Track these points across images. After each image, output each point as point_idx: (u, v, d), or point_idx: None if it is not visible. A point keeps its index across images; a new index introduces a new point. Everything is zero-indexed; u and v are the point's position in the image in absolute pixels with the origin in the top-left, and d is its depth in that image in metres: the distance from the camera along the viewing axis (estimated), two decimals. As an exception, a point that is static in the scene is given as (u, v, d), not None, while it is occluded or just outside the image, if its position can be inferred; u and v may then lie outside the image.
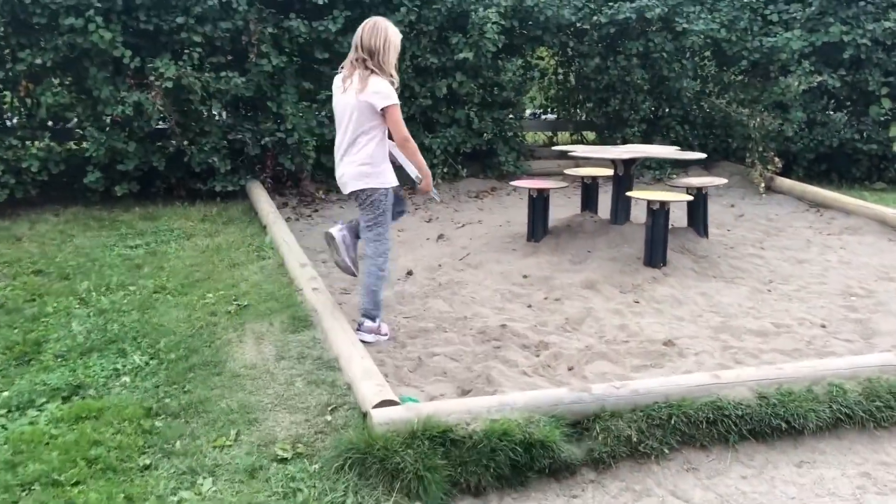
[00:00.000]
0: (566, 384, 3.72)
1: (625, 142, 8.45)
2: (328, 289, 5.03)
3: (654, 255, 5.40)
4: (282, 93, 7.12)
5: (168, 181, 7.17)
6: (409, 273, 5.44)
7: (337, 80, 4.05)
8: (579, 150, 5.85)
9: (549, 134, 9.73)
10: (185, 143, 6.87)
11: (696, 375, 3.54)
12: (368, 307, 4.19)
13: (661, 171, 8.36)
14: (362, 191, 4.08)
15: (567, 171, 6.58)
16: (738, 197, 7.90)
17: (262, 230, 6.07)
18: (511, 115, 8.22)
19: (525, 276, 5.34)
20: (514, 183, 6.40)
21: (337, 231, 4.37)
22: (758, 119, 7.93)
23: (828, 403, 3.49)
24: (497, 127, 8.10)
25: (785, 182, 7.94)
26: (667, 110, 8.65)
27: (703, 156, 5.68)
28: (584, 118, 8.94)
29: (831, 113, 8.53)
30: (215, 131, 6.95)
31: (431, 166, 7.72)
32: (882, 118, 8.29)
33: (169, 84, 6.42)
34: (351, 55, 3.95)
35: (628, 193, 5.53)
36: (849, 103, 8.64)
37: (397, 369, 3.91)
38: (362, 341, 3.97)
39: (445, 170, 7.85)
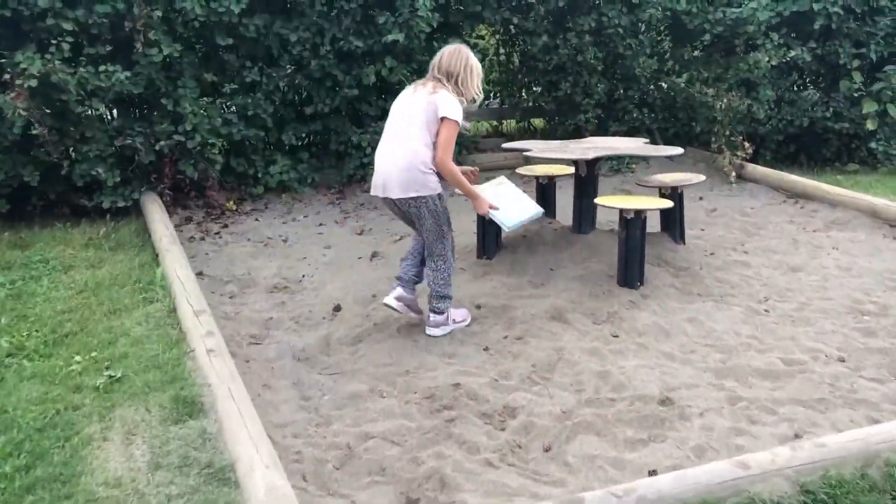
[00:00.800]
0: (545, 477, 2.80)
1: (578, 130, 7.56)
2: (233, 339, 4.01)
3: (630, 274, 4.52)
4: (179, 87, 5.99)
5: (46, 198, 5.99)
6: (337, 308, 4.45)
7: (406, 90, 3.99)
8: (535, 149, 4.91)
9: (494, 123, 8.77)
10: (63, 151, 5.69)
11: (717, 466, 2.66)
12: (437, 304, 4.04)
13: (618, 162, 7.49)
14: (413, 199, 3.85)
15: (519, 171, 5.64)
16: (707, 187, 7.09)
17: (156, 258, 4.99)
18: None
19: (478, 307, 4.40)
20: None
21: (395, 301, 4.08)
22: (724, 100, 7.11)
23: (891, 493, 2.65)
24: (435, 117, 7.10)
25: (757, 169, 7.16)
26: (622, 92, 7.76)
27: (678, 151, 4.82)
28: (531, 104, 7.99)
29: (801, 90, 7.78)
30: (99, 136, 5.79)
31: (360, 166, 6.72)
32: (855, 94, 7.57)
33: (33, 82, 5.25)
34: (427, 76, 3.97)
35: (597, 201, 4.63)
36: (818, 79, 7.90)
37: (318, 465, 2.93)
38: (432, 336, 4.04)
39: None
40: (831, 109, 7.58)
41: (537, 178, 5.45)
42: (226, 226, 5.98)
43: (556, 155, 4.66)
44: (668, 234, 5.28)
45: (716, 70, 7.58)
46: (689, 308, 4.37)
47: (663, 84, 7.90)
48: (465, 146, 7.42)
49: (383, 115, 6.80)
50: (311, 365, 3.84)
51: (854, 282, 4.76)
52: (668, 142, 7.87)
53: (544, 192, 5.48)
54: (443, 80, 3.85)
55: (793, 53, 7.17)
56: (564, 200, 5.71)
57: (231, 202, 6.31)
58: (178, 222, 5.95)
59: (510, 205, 4.17)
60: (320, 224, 6.09)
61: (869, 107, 7.45)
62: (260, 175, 6.52)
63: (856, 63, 7.55)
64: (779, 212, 6.38)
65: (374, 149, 6.66)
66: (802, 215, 6.26)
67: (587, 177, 5.05)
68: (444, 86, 3.84)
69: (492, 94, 8.40)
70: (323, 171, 6.86)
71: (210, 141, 6.01)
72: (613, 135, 7.53)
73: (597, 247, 4.94)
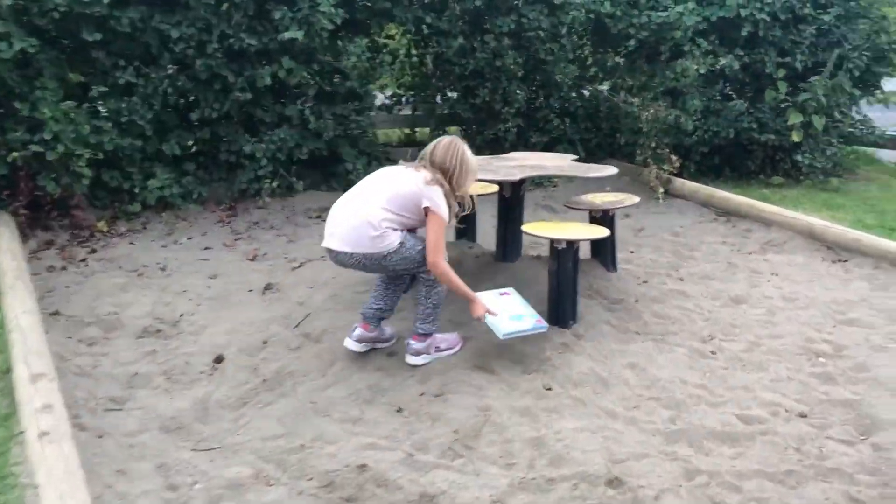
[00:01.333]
0: None
1: (497, 140, 7.00)
2: (85, 405, 3.25)
3: (562, 311, 3.96)
4: (37, 89, 5.11)
5: None
6: (218, 360, 3.72)
7: (391, 167, 3.72)
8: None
9: (407, 131, 8.12)
10: None
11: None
12: (421, 324, 3.63)
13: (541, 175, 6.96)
14: (371, 255, 3.47)
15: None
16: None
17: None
18: (357, 110, 6.54)
19: (389, 354, 3.76)
20: None
21: (355, 345, 3.68)
22: (650, 110, 6.68)
23: None
24: (340, 125, 6.40)
25: (686, 185, 6.76)
26: (543, 100, 7.25)
27: (612, 171, 4.30)
28: (447, 111, 7.38)
29: (727, 100, 7.45)
30: (-65, 146, 4.87)
31: (254, 179, 5.98)
32: (780, 104, 7.27)
33: None
34: (418, 162, 3.62)
35: (524, 229, 4.05)
36: (744, 88, 7.59)
37: None
38: (411, 364, 3.63)
39: (276, 184, 6.08)
40: (757, 120, 7.27)
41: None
42: (94, 251, 5.13)
43: (479, 175, 4.05)
44: (598, 261, 4.76)
45: (640, 78, 7.16)
46: (629, 350, 3.84)
47: (585, 92, 7.44)
48: (375, 156, 6.75)
49: (280, 121, 6.10)
50: (183, 437, 3.11)
51: (802, 314, 4.34)
52: (591, 153, 7.41)
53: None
54: (436, 174, 3.50)
55: (723, 62, 6.81)
56: (487, 222, 5.13)
57: (102, 222, 5.46)
58: (35, 247, 5.07)
59: (511, 314, 3.67)
60: (206, 248, 5.31)
61: (794, 118, 7.16)
62: (137, 190, 5.68)
63: (781, 73, 7.26)
64: (710, 231, 5.98)
65: (270, 160, 5.98)
66: (735, 235, 5.87)
67: (512, 198, 4.47)
68: (438, 180, 3.47)
69: (403, 99, 7.75)
70: (211, 185, 6.07)
71: (76, 151, 5.15)
72: (534, 146, 7.00)
73: (524, 278, 4.36)
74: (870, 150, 8.76)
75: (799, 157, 7.27)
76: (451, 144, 3.56)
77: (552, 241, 3.89)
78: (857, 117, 8.15)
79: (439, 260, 3.44)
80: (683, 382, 3.56)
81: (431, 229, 3.44)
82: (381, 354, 3.73)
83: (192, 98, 5.94)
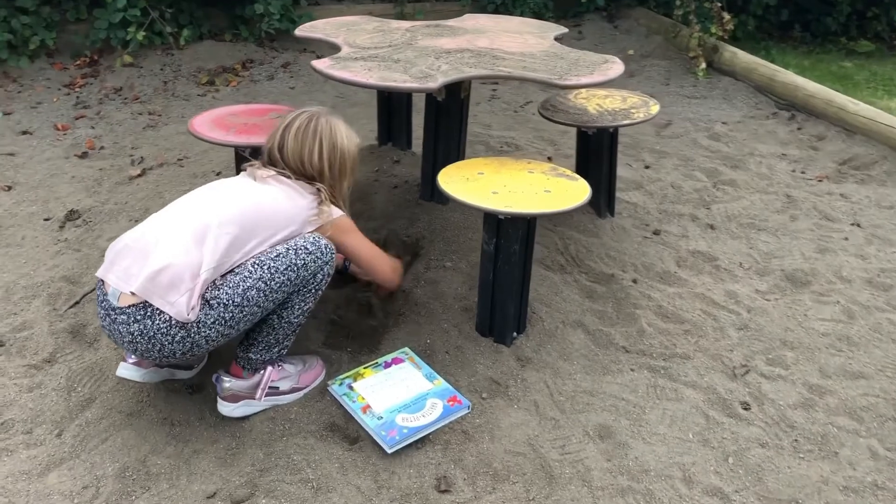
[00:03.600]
0: None
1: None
2: None
3: (500, 318, 2.35)
4: None
5: None
6: None
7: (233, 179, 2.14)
8: (344, 46, 2.52)
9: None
10: None
11: None
12: (258, 354, 2.09)
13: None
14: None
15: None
16: (661, 77, 4.79)
17: None
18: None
19: (190, 389, 2.21)
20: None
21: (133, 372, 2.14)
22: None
23: None
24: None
25: (738, 58, 4.82)
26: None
27: (617, 70, 2.51)
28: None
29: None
30: None
31: (120, 24, 4.21)
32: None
33: None
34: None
35: (440, 182, 2.30)
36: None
37: None
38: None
39: (142, 33, 4.28)
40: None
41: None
42: None
43: (380, 80, 2.30)
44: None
45: None
46: (603, 396, 2.26)
47: None
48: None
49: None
50: None
51: (900, 322, 2.69)
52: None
53: (390, 103, 3.17)
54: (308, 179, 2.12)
55: None
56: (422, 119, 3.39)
57: None
58: None
59: (405, 399, 2.18)
60: (23, 132, 3.67)
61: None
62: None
63: None
64: (765, 134, 4.17)
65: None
66: (801, 144, 4.07)
67: (448, 103, 2.72)
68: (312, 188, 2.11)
69: None
70: (65, 30, 4.30)
71: None
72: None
73: (455, 234, 2.72)
74: None
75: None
76: (314, 131, 2.12)
77: (487, 216, 2.20)
78: None
79: (395, 267, 2.43)
80: (687, 482, 2.00)
81: (353, 241, 2.23)
82: (172, 391, 2.19)
83: None
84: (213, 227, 1.91)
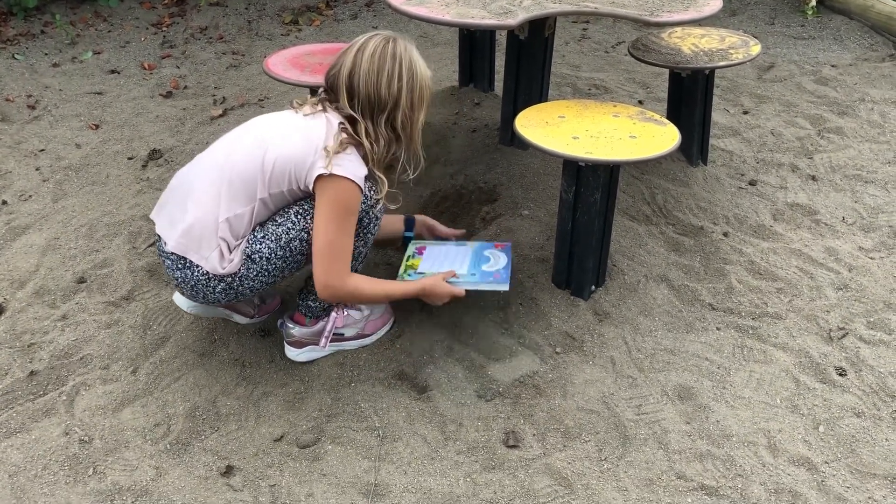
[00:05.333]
0: None
1: None
2: None
3: (578, 270, 2.25)
4: None
5: None
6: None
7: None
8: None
9: None
10: None
11: None
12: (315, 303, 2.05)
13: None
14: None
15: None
16: (766, 16, 4.47)
17: None
18: None
19: (261, 333, 2.21)
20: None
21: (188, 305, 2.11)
22: None
23: None
24: None
25: (852, -7, 4.45)
26: None
27: (715, 6, 2.31)
28: None
29: None
30: None
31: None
32: None
33: None
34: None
35: (517, 127, 2.17)
36: None
37: None
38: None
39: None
40: None
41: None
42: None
43: (457, 17, 2.19)
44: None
45: None
46: (685, 355, 2.14)
47: None
48: None
49: None
50: None
51: None
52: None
53: (472, 41, 3.05)
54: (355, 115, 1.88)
55: None
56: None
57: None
58: None
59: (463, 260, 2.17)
60: (111, 71, 3.72)
61: None
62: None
63: None
64: (879, 78, 3.85)
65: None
66: (919, 89, 3.74)
67: (532, 41, 2.58)
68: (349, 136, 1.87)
69: None
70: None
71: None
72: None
73: (534, 179, 2.61)
74: None
75: None
76: (392, 54, 1.86)
77: (567, 163, 2.08)
78: None
79: (336, 280, 1.88)
80: (772, 450, 1.88)
81: (322, 221, 1.84)
82: (244, 333, 2.19)
83: None
84: (225, 176, 1.85)
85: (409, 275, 2.09)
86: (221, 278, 1.85)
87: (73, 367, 2.08)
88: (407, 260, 2.16)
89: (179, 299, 2.11)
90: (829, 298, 2.36)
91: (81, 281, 2.39)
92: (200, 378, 2.05)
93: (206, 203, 1.84)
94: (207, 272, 1.84)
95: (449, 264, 2.11)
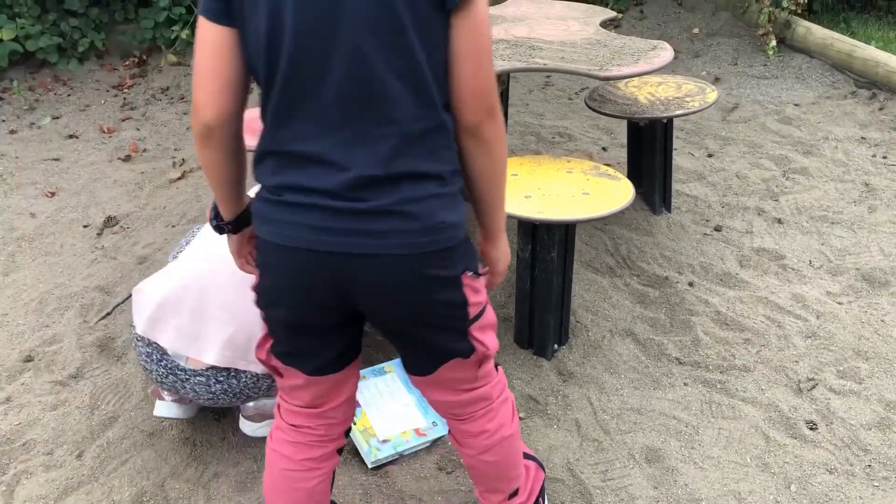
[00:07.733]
0: None
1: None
2: None
3: (539, 329, 2.19)
4: None
5: None
6: (-75, 404, 2.20)
7: None
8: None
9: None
10: None
11: None
12: None
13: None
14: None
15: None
16: (728, 57, 4.50)
17: None
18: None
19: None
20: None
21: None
22: None
23: None
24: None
25: (812, 33, 4.49)
26: None
27: (666, 58, 2.29)
28: None
29: None
30: None
31: (165, 22, 4.21)
32: None
33: None
34: None
35: None
36: None
37: None
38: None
39: (187, 31, 4.25)
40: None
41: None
42: None
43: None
44: (640, 195, 2.87)
45: None
46: (652, 413, 2.08)
47: None
48: None
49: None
50: None
51: None
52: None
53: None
54: None
55: None
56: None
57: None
58: None
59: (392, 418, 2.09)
60: (69, 136, 3.67)
61: None
62: (-11, 42, 4.00)
63: None
64: (842, 115, 3.85)
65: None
66: (881, 126, 3.74)
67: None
68: None
69: None
70: (114, 30, 4.30)
71: None
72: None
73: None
74: None
75: None
76: None
77: (521, 224, 2.04)
78: None
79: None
80: (744, 510, 1.81)
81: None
82: (201, 409, 2.11)
83: None
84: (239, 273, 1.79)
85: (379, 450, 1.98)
86: (269, 374, 1.80)
87: (15, 454, 1.99)
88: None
89: (167, 409, 1.96)
90: (797, 348, 2.31)
91: (28, 360, 2.31)
92: (149, 460, 1.96)
93: (235, 305, 1.77)
94: (257, 373, 1.79)
95: (391, 400, 2.06)
